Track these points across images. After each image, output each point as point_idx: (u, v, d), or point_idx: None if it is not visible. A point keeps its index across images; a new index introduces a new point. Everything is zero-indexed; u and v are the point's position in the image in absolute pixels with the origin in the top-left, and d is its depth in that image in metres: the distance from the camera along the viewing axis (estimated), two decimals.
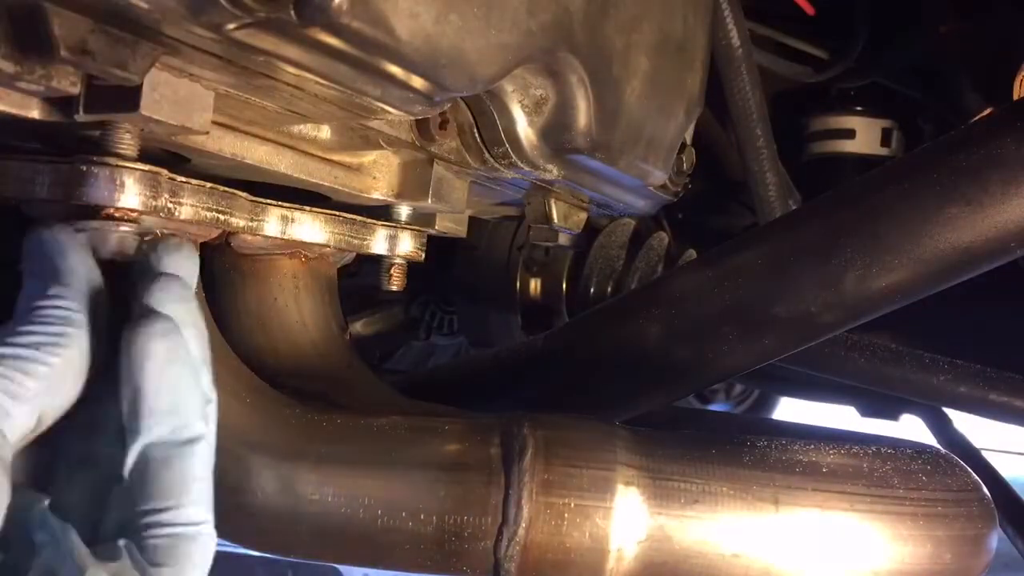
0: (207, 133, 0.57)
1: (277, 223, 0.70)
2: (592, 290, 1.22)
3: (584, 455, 0.62)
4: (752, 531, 0.61)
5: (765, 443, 0.65)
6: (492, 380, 0.89)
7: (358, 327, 1.51)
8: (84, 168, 0.54)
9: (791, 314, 0.72)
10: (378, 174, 0.77)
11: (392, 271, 0.82)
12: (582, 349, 0.83)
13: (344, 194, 0.76)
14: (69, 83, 0.51)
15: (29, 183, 0.57)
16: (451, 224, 0.89)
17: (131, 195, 0.54)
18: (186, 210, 0.61)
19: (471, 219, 0.97)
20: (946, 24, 1.37)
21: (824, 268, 0.70)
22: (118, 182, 0.54)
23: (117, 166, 0.54)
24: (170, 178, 0.58)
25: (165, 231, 0.61)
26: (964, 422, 1.45)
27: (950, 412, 1.57)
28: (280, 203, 0.70)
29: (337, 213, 0.75)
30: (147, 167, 0.55)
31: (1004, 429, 1.23)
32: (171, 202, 0.59)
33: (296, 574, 2.26)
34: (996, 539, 0.66)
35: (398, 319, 1.59)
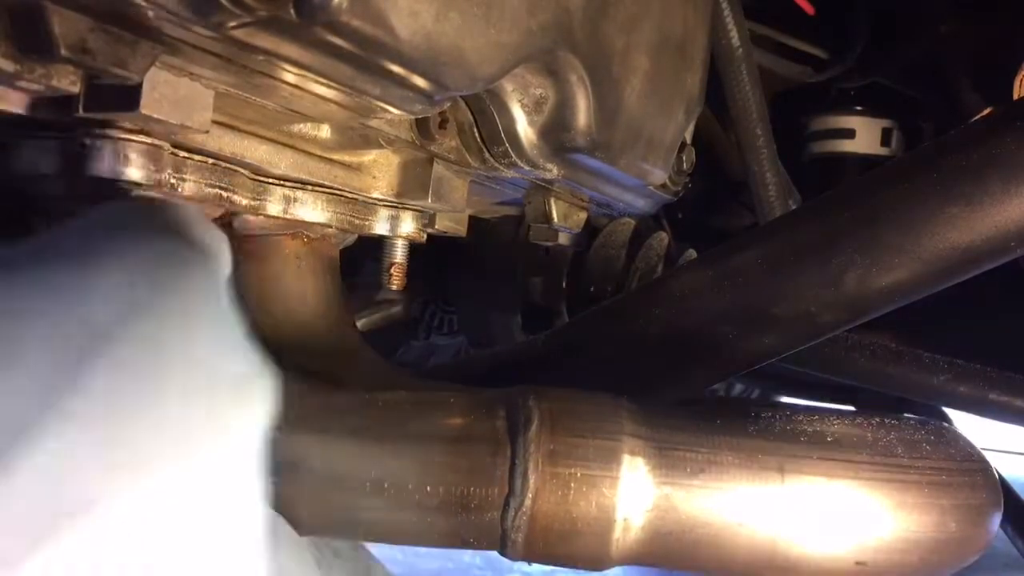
0: (207, 132, 0.57)
1: (279, 203, 0.70)
2: (592, 290, 1.22)
3: (590, 426, 0.61)
4: (758, 500, 0.61)
5: (770, 413, 0.65)
6: (492, 380, 0.89)
7: (358, 327, 1.51)
8: (88, 142, 0.54)
9: (791, 314, 0.71)
10: (378, 173, 0.77)
11: (392, 271, 0.82)
12: (582, 349, 0.83)
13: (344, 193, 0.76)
14: (69, 82, 0.51)
15: (33, 160, 0.57)
16: (451, 223, 0.89)
17: (135, 168, 0.54)
18: (189, 186, 0.61)
19: (471, 218, 0.97)
20: (946, 24, 1.37)
21: (824, 268, 0.70)
22: (122, 155, 0.54)
23: (120, 139, 0.54)
24: (172, 153, 0.58)
25: None
26: (964, 422, 1.45)
27: (950, 412, 1.57)
28: (282, 182, 0.70)
29: (339, 192, 0.75)
30: (150, 140, 0.55)
31: (1004, 429, 1.23)
32: (174, 177, 0.59)
33: None
34: (999, 515, 0.65)
35: (398, 319, 1.59)
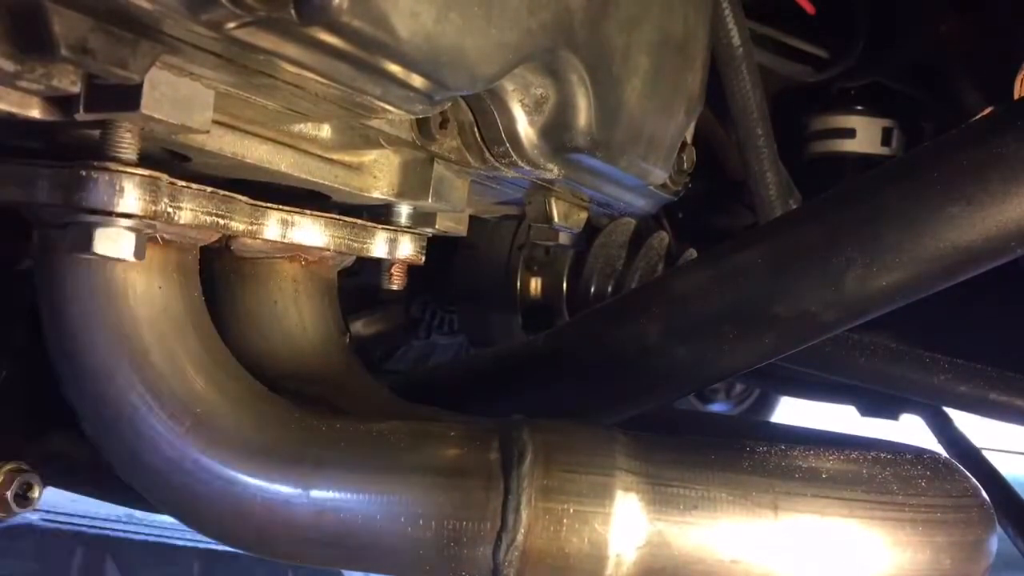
0: (207, 132, 0.57)
1: (277, 227, 0.70)
2: (592, 289, 1.22)
3: (583, 460, 0.61)
4: (751, 537, 0.61)
5: (764, 448, 0.65)
6: (492, 380, 0.89)
7: (358, 327, 1.51)
8: (84, 172, 0.54)
9: (791, 313, 0.71)
10: (378, 173, 0.77)
11: (392, 270, 0.82)
12: (583, 348, 0.83)
13: (344, 193, 0.76)
14: (69, 82, 0.51)
15: (29, 187, 0.57)
16: (451, 223, 0.89)
17: (131, 199, 0.54)
18: (185, 214, 0.61)
19: (471, 218, 0.97)
20: (946, 23, 1.37)
21: (824, 267, 0.70)
22: (118, 187, 0.54)
23: (117, 171, 0.54)
24: (170, 183, 0.58)
25: (165, 236, 0.61)
26: (964, 422, 1.45)
27: (950, 412, 1.57)
28: (280, 207, 0.70)
29: (337, 217, 0.75)
30: (147, 172, 0.55)
31: (1004, 428, 1.23)
32: (171, 206, 0.59)
33: (296, 574, 2.26)
34: (995, 544, 0.65)
35: (398, 319, 1.58)
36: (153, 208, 0.56)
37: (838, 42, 1.48)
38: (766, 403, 2.35)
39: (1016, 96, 1.18)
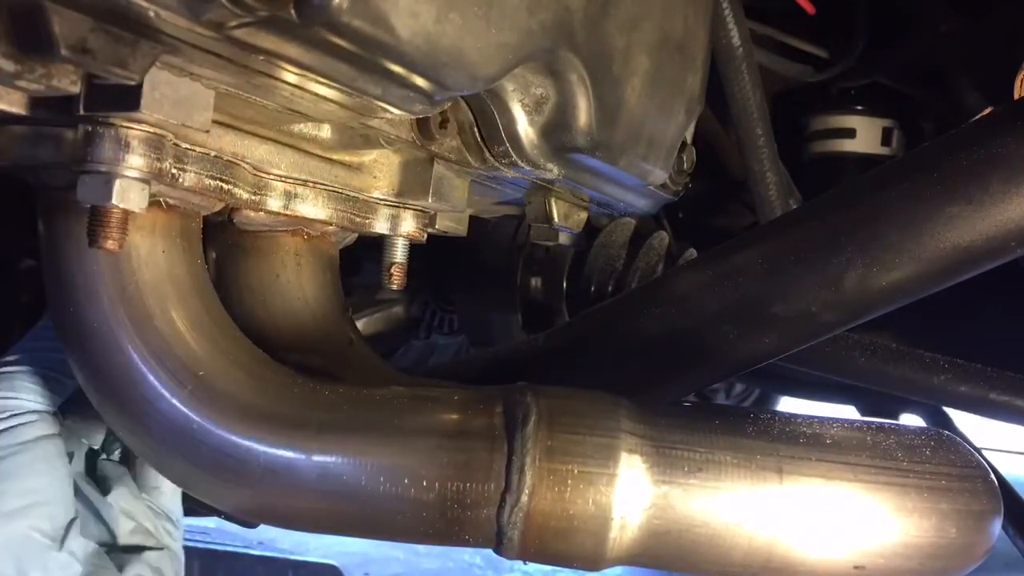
0: (207, 132, 0.57)
1: (280, 198, 0.70)
2: (593, 289, 1.22)
3: (588, 423, 0.61)
4: (756, 500, 0.60)
5: (768, 415, 0.65)
6: (492, 379, 0.89)
7: (358, 327, 1.51)
8: (90, 129, 0.53)
9: (791, 313, 0.72)
10: (378, 173, 0.77)
11: (393, 270, 0.82)
12: (582, 348, 0.83)
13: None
14: (69, 82, 0.51)
15: (33, 148, 0.57)
16: (451, 223, 0.89)
17: (137, 156, 0.54)
18: (190, 177, 0.60)
19: (471, 218, 0.98)
20: (946, 23, 1.37)
21: (824, 267, 0.70)
22: (123, 141, 0.53)
23: (122, 126, 0.54)
24: (175, 143, 0.58)
25: (169, 200, 0.61)
26: (964, 422, 1.45)
27: (950, 412, 1.57)
28: (283, 177, 0.70)
29: (340, 189, 0.75)
30: (153, 128, 0.55)
31: (1004, 429, 1.23)
32: (175, 167, 0.59)
33: (296, 573, 2.26)
34: (1000, 521, 0.65)
35: (398, 319, 1.59)
36: (159, 165, 0.56)
37: (838, 42, 1.48)
38: (765, 403, 2.35)
39: (1016, 96, 1.18)
